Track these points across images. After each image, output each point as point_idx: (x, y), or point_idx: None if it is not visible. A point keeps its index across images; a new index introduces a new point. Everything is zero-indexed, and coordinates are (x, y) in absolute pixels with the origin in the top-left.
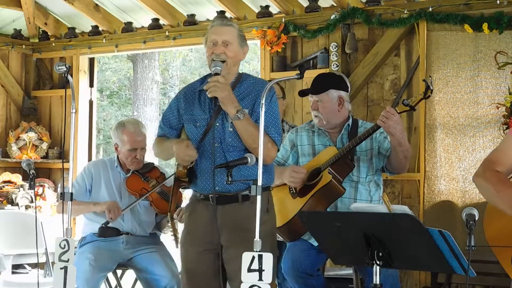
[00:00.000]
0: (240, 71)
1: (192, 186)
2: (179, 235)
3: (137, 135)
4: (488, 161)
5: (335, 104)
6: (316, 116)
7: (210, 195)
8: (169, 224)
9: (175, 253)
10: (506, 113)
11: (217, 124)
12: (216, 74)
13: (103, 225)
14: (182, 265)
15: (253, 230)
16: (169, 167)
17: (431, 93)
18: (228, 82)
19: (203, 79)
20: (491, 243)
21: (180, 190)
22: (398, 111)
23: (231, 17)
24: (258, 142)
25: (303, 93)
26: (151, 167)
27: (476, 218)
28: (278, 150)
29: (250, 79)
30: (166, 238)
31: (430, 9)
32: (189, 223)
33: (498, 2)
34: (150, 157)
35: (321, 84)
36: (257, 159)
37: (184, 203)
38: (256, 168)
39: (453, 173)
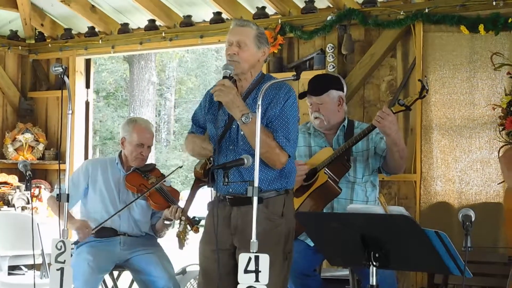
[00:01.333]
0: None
1: (213, 187)
2: (187, 237)
3: (147, 132)
4: None
5: (336, 104)
6: (317, 117)
7: (226, 196)
8: (180, 223)
9: (173, 254)
10: (502, 114)
11: (233, 126)
12: (225, 77)
13: (74, 243)
14: (199, 261)
15: (261, 234)
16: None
17: (427, 93)
18: (248, 82)
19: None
20: None
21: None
22: (394, 111)
23: (227, 18)
24: (266, 147)
25: (302, 95)
26: (152, 167)
27: (473, 219)
28: (290, 156)
29: (272, 80)
30: (162, 240)
31: (427, 10)
32: (207, 222)
33: (494, 3)
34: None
35: (321, 85)
36: (253, 161)
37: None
38: (271, 172)
39: (449, 174)
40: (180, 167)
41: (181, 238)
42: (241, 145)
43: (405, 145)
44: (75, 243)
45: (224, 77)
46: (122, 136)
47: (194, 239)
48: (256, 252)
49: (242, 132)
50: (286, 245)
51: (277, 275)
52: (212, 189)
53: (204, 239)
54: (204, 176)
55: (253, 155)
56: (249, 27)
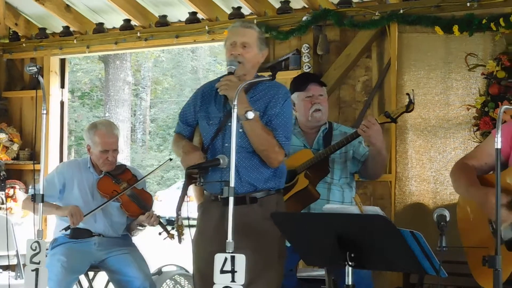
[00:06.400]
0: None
1: (205, 186)
2: (184, 232)
3: (109, 137)
4: (464, 157)
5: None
6: (318, 110)
7: (219, 196)
8: (177, 218)
9: (148, 254)
10: (477, 115)
11: (229, 123)
12: (230, 73)
13: (65, 229)
14: (194, 264)
15: (259, 233)
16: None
17: (414, 107)
18: None
19: (221, 78)
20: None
21: (151, 193)
22: (379, 122)
23: (202, 18)
24: (266, 145)
25: (300, 85)
26: (123, 169)
27: (447, 219)
28: (286, 155)
29: (266, 81)
30: (136, 240)
31: (401, 11)
32: (201, 223)
33: (468, 4)
34: (121, 159)
35: (319, 79)
36: (229, 160)
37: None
38: (266, 172)
39: (424, 174)
40: (171, 158)
41: (180, 232)
42: (238, 142)
43: None
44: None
45: (229, 73)
46: (87, 144)
47: (167, 240)
48: (232, 252)
49: (240, 130)
50: (282, 244)
51: (275, 273)
52: (205, 189)
53: (199, 241)
54: (197, 173)
55: (250, 153)
56: (253, 29)
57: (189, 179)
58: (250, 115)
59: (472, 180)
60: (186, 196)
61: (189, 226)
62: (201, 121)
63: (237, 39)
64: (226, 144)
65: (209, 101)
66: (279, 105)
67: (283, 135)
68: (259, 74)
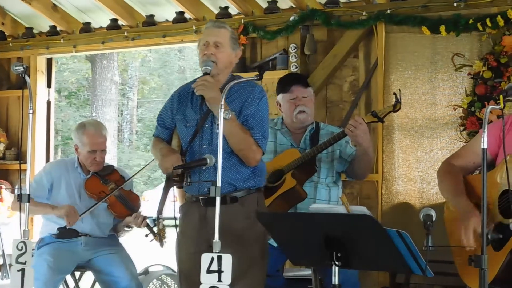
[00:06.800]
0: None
1: (185, 188)
2: (166, 235)
3: (98, 137)
4: (451, 157)
5: (313, 101)
6: (302, 111)
7: (200, 197)
8: (156, 223)
9: (135, 254)
10: (463, 115)
11: (206, 125)
12: (206, 74)
13: (62, 229)
14: (177, 265)
15: (241, 232)
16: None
17: (400, 106)
18: (220, 83)
19: (197, 80)
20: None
21: (138, 193)
22: (366, 121)
23: (190, 18)
24: (243, 144)
25: (283, 87)
26: (111, 169)
27: (434, 219)
28: (263, 153)
29: (241, 82)
30: (123, 240)
31: (389, 11)
32: (182, 224)
33: (455, 4)
34: (108, 158)
35: (304, 79)
36: (216, 160)
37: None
38: (245, 171)
39: (410, 174)
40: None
41: (161, 235)
42: (216, 143)
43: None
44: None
45: (205, 74)
46: (75, 143)
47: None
48: (219, 252)
49: (217, 131)
50: (264, 242)
51: (258, 272)
52: (185, 190)
53: (181, 242)
54: (177, 176)
55: (228, 153)
56: (225, 29)
57: (169, 182)
58: (227, 115)
59: (458, 189)
60: (167, 199)
61: (176, 226)
62: (179, 124)
63: (210, 39)
64: (204, 146)
65: (185, 104)
66: (254, 104)
67: (260, 134)
68: (235, 74)
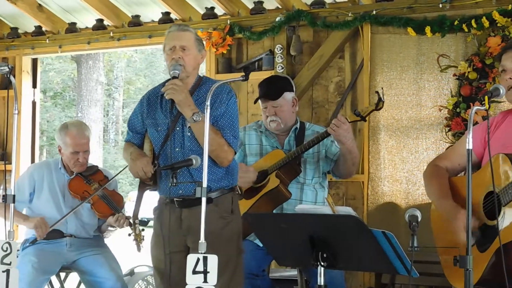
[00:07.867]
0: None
1: (158, 190)
2: (143, 239)
3: (80, 138)
4: (437, 158)
5: (291, 106)
6: (273, 120)
7: (174, 199)
8: (132, 228)
9: (121, 255)
10: (449, 116)
11: (177, 128)
12: (174, 77)
13: (31, 243)
14: (153, 266)
15: (216, 232)
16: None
17: (383, 105)
18: (188, 85)
19: (165, 83)
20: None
21: (123, 194)
22: (349, 120)
23: (176, 19)
24: (215, 145)
25: (256, 100)
26: (95, 169)
27: (419, 219)
28: (235, 153)
29: (210, 82)
30: (108, 240)
31: (374, 12)
32: (156, 226)
33: (440, 6)
34: (94, 159)
35: (276, 88)
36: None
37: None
38: (219, 171)
39: (396, 175)
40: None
41: (138, 240)
42: (188, 145)
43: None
44: (33, 241)
45: (174, 77)
46: (58, 145)
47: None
48: (205, 253)
49: (188, 133)
50: (239, 241)
51: (233, 271)
52: (158, 192)
53: (155, 243)
54: (150, 178)
55: (200, 155)
56: (189, 31)
57: (142, 186)
58: (197, 117)
59: (444, 192)
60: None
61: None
62: (150, 128)
63: (175, 43)
64: (177, 149)
65: (155, 108)
66: (224, 105)
67: (231, 134)
68: (202, 76)
